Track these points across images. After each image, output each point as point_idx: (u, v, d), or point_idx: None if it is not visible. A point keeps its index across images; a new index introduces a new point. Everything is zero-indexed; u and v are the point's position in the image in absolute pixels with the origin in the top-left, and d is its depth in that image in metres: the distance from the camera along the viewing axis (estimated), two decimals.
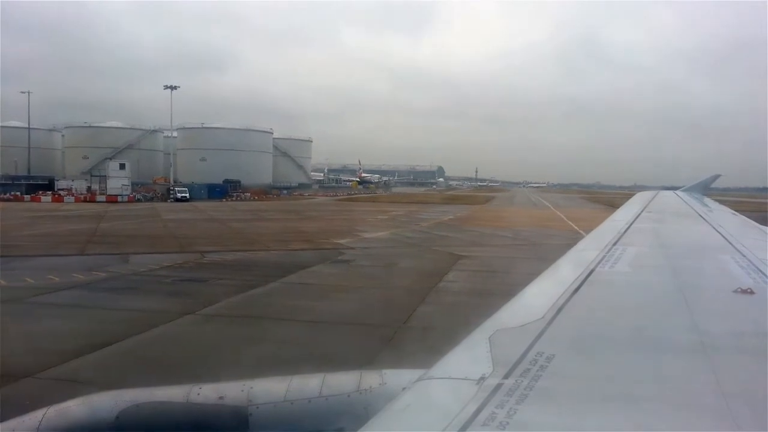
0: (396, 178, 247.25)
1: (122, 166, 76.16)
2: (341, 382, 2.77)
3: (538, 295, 3.14)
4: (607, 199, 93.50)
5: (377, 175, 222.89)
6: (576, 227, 38.89)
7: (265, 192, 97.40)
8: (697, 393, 1.82)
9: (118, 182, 73.06)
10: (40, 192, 72.79)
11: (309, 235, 36.01)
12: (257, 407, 2.64)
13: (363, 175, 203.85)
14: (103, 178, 76.57)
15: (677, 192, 12.27)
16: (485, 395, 1.72)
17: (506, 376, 1.85)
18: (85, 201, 69.01)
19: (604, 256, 4.21)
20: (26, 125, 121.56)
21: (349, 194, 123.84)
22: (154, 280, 20.53)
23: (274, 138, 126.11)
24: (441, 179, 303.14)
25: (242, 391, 2.71)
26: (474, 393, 1.74)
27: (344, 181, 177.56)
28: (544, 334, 2.31)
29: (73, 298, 17.40)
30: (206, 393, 2.74)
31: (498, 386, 1.77)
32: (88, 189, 77.34)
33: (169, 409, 2.70)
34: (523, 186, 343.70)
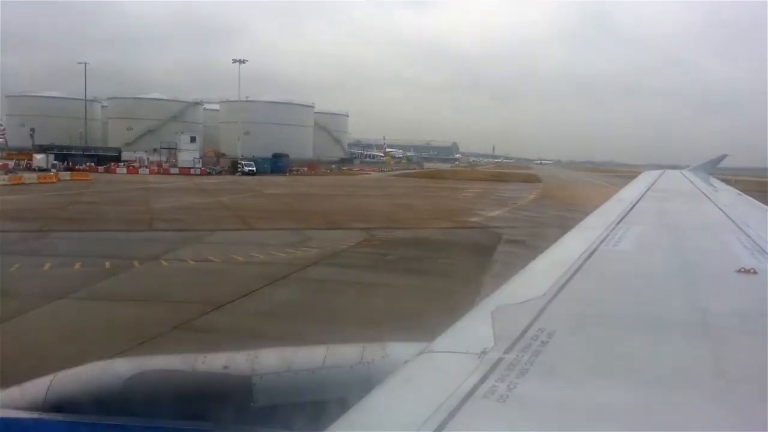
0: (412, 152, 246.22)
1: (193, 140, 76.61)
2: (344, 354, 2.82)
3: (541, 273, 3.15)
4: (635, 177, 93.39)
5: (400, 151, 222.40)
6: None
7: (316, 167, 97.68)
8: (696, 371, 1.86)
9: (189, 155, 73.55)
10: (113, 164, 73.31)
11: (432, 212, 36.80)
12: (261, 377, 2.68)
13: (387, 150, 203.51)
14: (172, 151, 76.99)
15: (683, 171, 12.34)
16: (486, 369, 1.75)
17: (507, 351, 1.88)
18: (159, 173, 69.58)
19: (608, 235, 4.22)
20: (64, 96, 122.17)
21: (383, 170, 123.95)
22: (376, 257, 21.30)
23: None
24: (458, 155, 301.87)
25: (247, 360, 2.77)
26: (475, 366, 1.77)
27: (377, 156, 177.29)
28: (546, 310, 2.34)
29: (338, 274, 18.23)
30: (211, 362, 2.79)
31: (499, 360, 1.81)
32: (160, 162, 77.75)
33: (175, 376, 2.75)
34: (539, 163, 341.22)
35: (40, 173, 53.79)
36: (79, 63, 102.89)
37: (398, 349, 2.69)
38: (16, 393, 2.85)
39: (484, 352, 1.88)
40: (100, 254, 19.86)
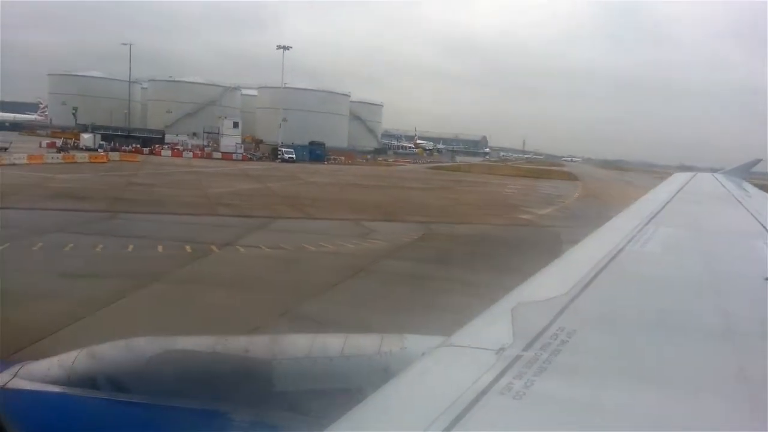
0: (441, 145, 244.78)
1: (236, 125, 77.44)
2: (363, 343, 2.81)
3: (564, 271, 3.12)
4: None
5: (431, 143, 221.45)
6: None
7: (353, 156, 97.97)
8: (717, 376, 1.82)
9: (231, 140, 74.37)
10: (157, 146, 74.52)
11: (481, 208, 36.73)
12: (280, 362, 2.70)
13: (418, 142, 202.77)
14: (213, 136, 77.99)
15: (715, 175, 12.05)
16: (504, 365, 1.73)
17: (526, 348, 1.87)
18: (202, 157, 70.52)
19: (635, 236, 4.15)
20: (105, 76, 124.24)
21: (417, 162, 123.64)
22: (445, 252, 21.37)
23: None
24: (487, 149, 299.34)
25: (267, 345, 2.82)
26: (493, 362, 1.76)
27: (409, 147, 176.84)
28: (567, 309, 2.32)
29: (415, 268, 18.35)
30: (232, 345, 2.82)
31: (517, 357, 1.79)
32: (202, 146, 78.76)
33: (196, 357, 2.79)
34: (570, 160, 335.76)
35: (90, 153, 54.81)
36: (123, 44, 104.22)
37: (416, 341, 2.69)
38: (43, 366, 2.91)
39: (502, 349, 1.86)
40: (175, 237, 20.29)
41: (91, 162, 49.31)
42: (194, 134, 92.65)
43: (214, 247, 19.03)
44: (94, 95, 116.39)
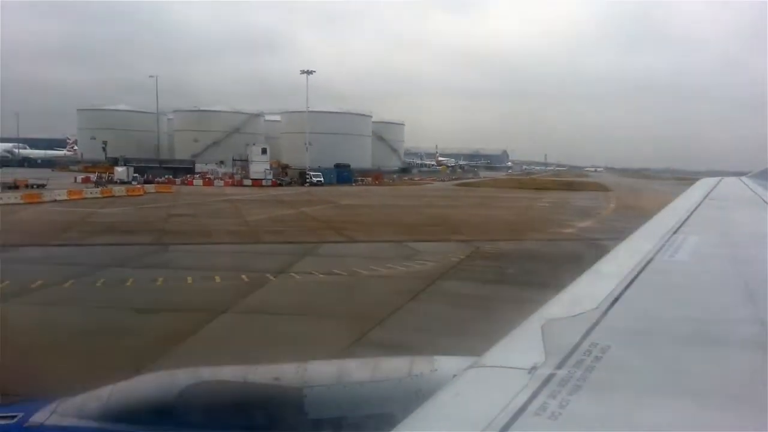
0: (463, 161, 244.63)
1: (264, 151, 78.46)
2: (393, 367, 2.78)
3: (594, 285, 2.99)
4: None
5: (452, 159, 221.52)
6: None
7: (381, 176, 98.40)
8: (758, 390, 1.72)
9: (260, 166, 75.36)
10: (189, 176, 75.74)
11: (520, 223, 36.47)
12: (311, 389, 2.67)
13: (440, 159, 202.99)
14: (241, 163, 79.12)
15: (742, 179, 11.81)
16: (537, 385, 1.68)
17: (559, 366, 1.80)
18: (233, 185, 71.46)
19: (664, 245, 4.00)
20: (131, 109, 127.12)
21: (443, 179, 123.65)
22: (498, 271, 21.24)
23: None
24: (509, 163, 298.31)
25: (297, 372, 2.78)
26: (525, 382, 1.70)
27: (431, 165, 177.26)
28: (599, 324, 2.23)
29: (474, 288, 18.28)
30: (263, 373, 2.81)
31: (550, 376, 1.73)
32: (233, 173, 79.95)
33: (228, 388, 2.77)
34: (594, 170, 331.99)
35: (127, 186, 55.91)
36: (150, 76, 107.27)
37: (447, 363, 2.65)
38: (77, 403, 2.94)
39: (534, 368, 1.81)
40: (229, 267, 20.49)
41: (128, 195, 50.26)
42: (221, 162, 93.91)
43: (269, 276, 19.14)
44: (122, 128, 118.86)
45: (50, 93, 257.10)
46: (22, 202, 39.64)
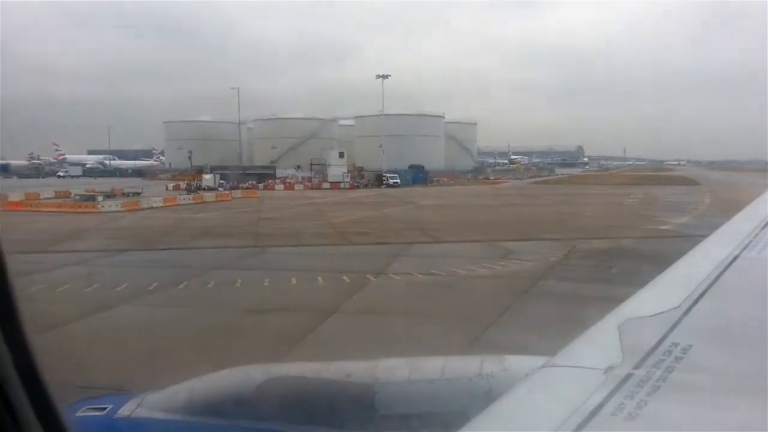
0: (536, 158, 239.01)
1: (341, 155, 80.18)
2: (463, 365, 2.78)
3: (675, 283, 2.88)
4: None
5: (525, 157, 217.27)
6: None
7: (456, 177, 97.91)
8: None
9: (338, 170, 76.95)
10: (270, 181, 78.33)
11: (612, 220, 35.10)
12: (382, 386, 2.67)
13: (513, 157, 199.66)
14: (318, 167, 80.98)
15: None
16: (613, 385, 1.61)
17: (637, 367, 1.73)
18: (312, 188, 73.22)
19: (751, 241, 3.75)
20: (214, 120, 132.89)
21: (519, 178, 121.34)
22: (602, 270, 20.47)
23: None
24: (585, 159, 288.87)
25: (368, 370, 2.80)
26: (601, 382, 1.63)
27: (504, 163, 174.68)
28: (680, 323, 2.14)
29: (582, 289, 17.69)
30: (335, 370, 2.85)
31: (627, 376, 1.67)
32: (310, 177, 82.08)
33: (302, 383, 2.82)
34: (677, 164, 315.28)
35: (216, 192, 58.31)
36: (232, 88, 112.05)
37: (518, 362, 2.66)
38: (162, 396, 3.09)
39: (610, 368, 1.76)
40: (327, 268, 20.82)
41: (217, 201, 52.38)
42: (298, 167, 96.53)
43: (369, 276, 19.30)
44: (205, 138, 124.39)
45: (136, 107, 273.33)
46: (123, 209, 42.09)
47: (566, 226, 33.33)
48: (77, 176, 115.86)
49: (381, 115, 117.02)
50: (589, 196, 57.61)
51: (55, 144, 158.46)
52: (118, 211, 41.18)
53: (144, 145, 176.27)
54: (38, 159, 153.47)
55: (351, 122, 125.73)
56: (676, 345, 1.96)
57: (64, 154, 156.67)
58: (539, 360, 2.14)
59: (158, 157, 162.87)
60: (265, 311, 15.07)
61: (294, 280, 18.79)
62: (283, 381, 2.96)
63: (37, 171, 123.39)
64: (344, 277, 19.02)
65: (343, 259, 23.20)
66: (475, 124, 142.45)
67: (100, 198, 44.71)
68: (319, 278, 19.05)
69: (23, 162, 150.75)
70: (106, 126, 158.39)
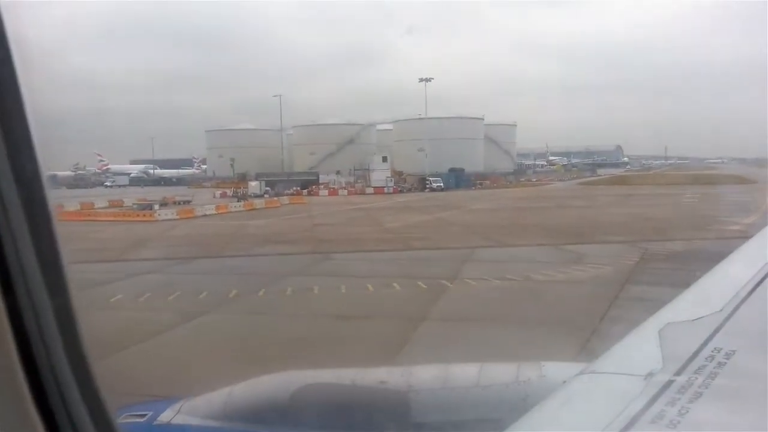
0: (575, 159, 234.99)
1: (384, 159, 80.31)
2: (499, 372, 2.74)
3: (718, 286, 2.82)
4: None
5: (564, 158, 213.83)
6: None
7: (498, 179, 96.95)
8: None
9: (382, 174, 77.05)
10: (314, 187, 78.90)
11: (675, 221, 34.03)
12: (417, 392, 2.64)
13: (551, 158, 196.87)
14: (361, 172, 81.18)
15: None
16: (654, 392, 1.58)
17: (678, 373, 1.70)
18: (356, 193, 73.41)
19: None
20: (254, 128, 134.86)
21: (562, 179, 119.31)
22: (686, 273, 19.79)
23: None
24: (625, 158, 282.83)
25: (402, 376, 2.78)
26: (641, 389, 1.60)
27: (542, 164, 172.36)
28: (723, 328, 2.07)
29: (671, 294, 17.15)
30: (370, 377, 2.87)
31: (668, 383, 1.63)
32: (353, 183, 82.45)
33: (337, 390, 2.82)
34: (722, 162, 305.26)
35: (266, 199, 58.88)
36: (275, 96, 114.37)
37: (555, 369, 2.61)
38: (200, 402, 3.13)
39: (650, 374, 1.70)
40: (398, 274, 20.58)
41: (267, 207, 52.88)
42: (338, 172, 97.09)
43: (444, 282, 19.01)
44: (246, 146, 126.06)
45: (175, 117, 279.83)
46: (178, 218, 42.80)
47: (628, 228, 32.46)
48: (124, 186, 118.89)
49: (420, 118, 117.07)
50: (642, 197, 56.16)
51: (98, 154, 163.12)
52: (175, 219, 41.88)
53: (184, 154, 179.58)
54: (83, 169, 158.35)
55: (389, 126, 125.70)
56: (719, 350, 1.89)
57: (107, 164, 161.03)
58: (577, 366, 2.10)
59: (199, 166, 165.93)
60: (354, 318, 14.94)
61: (370, 287, 18.64)
62: (318, 388, 2.93)
63: (83, 181, 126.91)
64: (420, 283, 18.75)
65: (411, 265, 22.97)
66: (515, 125, 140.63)
67: (156, 207, 45.52)
68: (395, 284, 18.82)
69: (68, 173, 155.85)
70: (146, 136, 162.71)
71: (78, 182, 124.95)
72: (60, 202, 54.90)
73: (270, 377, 3.18)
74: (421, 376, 2.87)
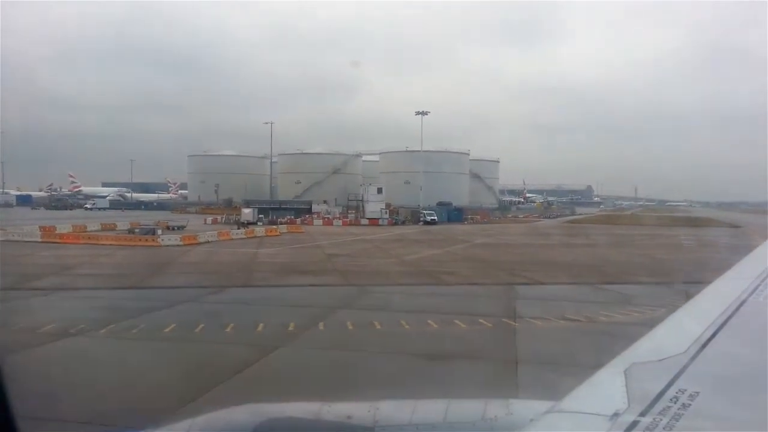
0: (550, 197, 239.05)
1: (379, 191, 79.85)
2: (466, 409, 2.73)
3: (681, 327, 2.87)
4: None
5: (539, 196, 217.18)
6: None
7: (488, 214, 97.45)
8: None
9: (376, 206, 76.50)
10: (307, 216, 77.81)
11: (690, 262, 34.21)
12: (383, 428, 2.62)
13: (527, 195, 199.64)
14: (359, 202, 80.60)
15: None
16: None
17: (643, 414, 1.72)
18: (351, 224, 72.57)
19: (758, 285, 3.67)
20: (240, 154, 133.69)
21: (548, 216, 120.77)
22: None
23: None
24: (597, 198, 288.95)
25: (369, 411, 2.73)
26: (607, 429, 1.63)
27: (520, 201, 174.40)
28: (687, 369, 2.11)
29: None
30: (335, 411, 2.80)
31: (633, 423, 1.66)
32: (345, 213, 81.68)
33: (301, 425, 2.74)
34: (689, 205, 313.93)
35: (267, 227, 57.63)
36: (265, 123, 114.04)
37: (522, 407, 2.60)
38: None
39: (616, 414, 1.73)
40: (453, 310, 19.91)
41: (268, 235, 51.69)
42: (325, 201, 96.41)
43: (506, 320, 18.43)
44: (229, 172, 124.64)
45: (146, 140, 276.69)
46: (183, 243, 41.40)
47: (653, 269, 32.52)
48: (104, 208, 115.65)
49: (408, 150, 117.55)
50: (640, 237, 56.82)
51: (71, 176, 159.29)
52: (180, 245, 40.47)
53: (156, 177, 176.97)
54: (58, 191, 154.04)
55: (374, 158, 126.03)
56: (683, 391, 1.90)
57: (79, 186, 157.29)
58: (544, 405, 2.05)
59: (176, 190, 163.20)
60: (449, 358, 14.14)
61: (433, 323, 17.90)
62: (281, 422, 2.82)
63: (60, 203, 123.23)
64: (482, 321, 18.13)
65: (458, 301, 22.38)
66: (498, 161, 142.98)
67: (159, 231, 44.02)
68: (456, 321, 18.15)
69: (41, 193, 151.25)
70: (116, 158, 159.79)
71: (55, 203, 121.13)
72: (47, 223, 52.81)
73: (231, 410, 3.03)
74: (387, 412, 2.78)
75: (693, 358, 2.31)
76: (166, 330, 16.07)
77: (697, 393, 1.91)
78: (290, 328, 16.68)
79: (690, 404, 1.83)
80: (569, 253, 41.10)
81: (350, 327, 17.18)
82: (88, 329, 15.96)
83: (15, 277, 25.08)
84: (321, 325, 17.27)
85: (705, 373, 2.17)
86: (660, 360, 2.29)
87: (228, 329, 16.45)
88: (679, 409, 1.79)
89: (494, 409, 2.70)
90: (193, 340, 15.20)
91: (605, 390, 2.03)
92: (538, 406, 2.28)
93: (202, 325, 16.83)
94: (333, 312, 19.43)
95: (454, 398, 2.88)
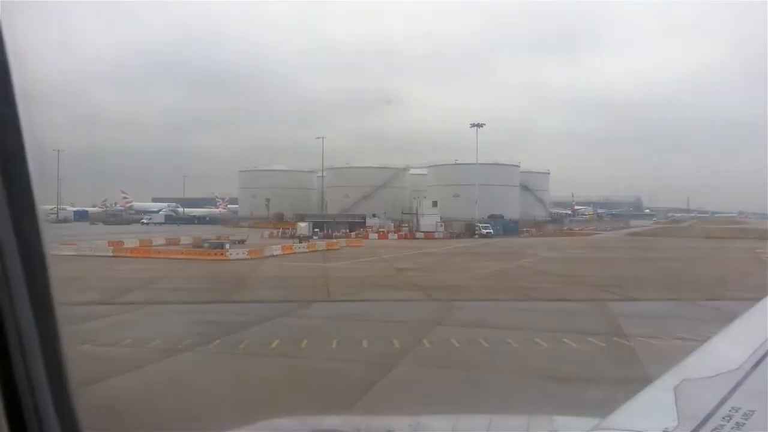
0: (599, 210, 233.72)
1: (434, 204, 79.39)
2: (508, 424, 2.73)
3: (735, 343, 2.68)
4: None
5: (588, 208, 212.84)
6: None
7: (544, 227, 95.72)
8: None
9: (431, 219, 75.97)
10: (361, 229, 77.81)
11: None
12: None
13: (576, 207, 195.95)
14: (413, 216, 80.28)
15: None
16: None
17: None
18: (406, 237, 72.13)
19: None
20: (288, 169, 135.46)
21: (606, 229, 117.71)
22: None
23: None
24: (647, 210, 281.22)
25: (409, 426, 2.68)
26: None
27: (569, 214, 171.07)
28: (741, 386, 2.03)
29: None
30: (376, 425, 2.86)
31: None
32: (399, 226, 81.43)
33: None
34: (746, 216, 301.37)
35: (327, 241, 57.67)
36: (317, 138, 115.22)
37: (567, 423, 2.53)
38: None
39: None
40: (552, 328, 18.90)
41: (329, 249, 51.63)
42: (374, 215, 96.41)
43: (619, 339, 17.39)
44: (279, 186, 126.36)
45: (194, 156, 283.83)
46: (250, 257, 41.59)
47: (748, 285, 30.64)
48: (160, 223, 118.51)
49: (456, 163, 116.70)
50: (713, 251, 54.34)
51: (123, 192, 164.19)
52: (248, 259, 40.70)
53: (204, 193, 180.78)
54: (113, 206, 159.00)
55: (422, 171, 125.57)
56: (736, 410, 1.79)
57: (131, 201, 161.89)
58: (590, 421, 2.00)
59: (225, 205, 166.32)
60: (576, 381, 13.26)
61: (540, 341, 17.03)
62: None
63: (117, 218, 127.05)
64: (591, 339, 17.18)
65: (555, 317, 21.38)
66: (548, 173, 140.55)
67: (227, 246, 44.39)
68: (565, 339, 17.22)
69: (95, 209, 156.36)
70: (163, 174, 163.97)
71: (112, 218, 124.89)
72: (108, 238, 54.07)
73: (273, 422, 3.00)
74: (428, 427, 2.73)
75: (748, 374, 2.17)
76: (272, 346, 15.73)
77: (752, 411, 1.81)
78: (396, 345, 16.09)
79: (744, 423, 1.72)
80: (649, 266, 39.51)
81: (456, 344, 16.49)
82: (196, 344, 15.74)
83: (102, 291, 25.38)
84: (426, 342, 16.62)
85: (760, 391, 2.03)
86: (712, 376, 2.18)
87: (333, 345, 16.01)
88: (732, 428, 1.70)
89: (537, 425, 2.64)
90: (306, 357, 14.79)
91: (654, 407, 1.96)
92: (582, 422, 2.19)
93: (306, 340, 16.41)
94: (431, 328, 18.78)
95: (496, 413, 2.81)
